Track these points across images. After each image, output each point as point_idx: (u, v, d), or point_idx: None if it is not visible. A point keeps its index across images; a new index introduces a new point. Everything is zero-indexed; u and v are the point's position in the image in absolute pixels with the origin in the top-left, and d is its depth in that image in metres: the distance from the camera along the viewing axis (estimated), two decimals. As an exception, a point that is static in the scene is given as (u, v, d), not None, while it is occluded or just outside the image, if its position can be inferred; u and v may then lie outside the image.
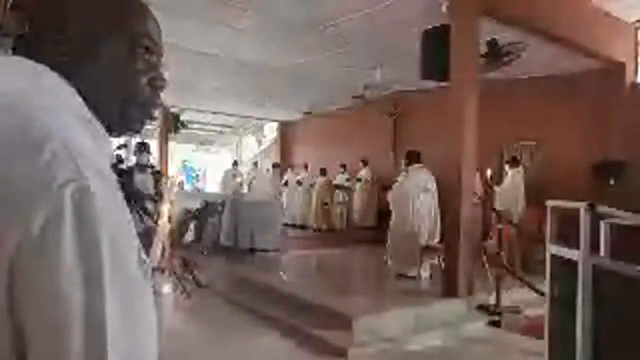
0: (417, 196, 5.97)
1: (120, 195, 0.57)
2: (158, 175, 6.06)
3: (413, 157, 6.23)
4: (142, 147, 5.93)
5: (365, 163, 10.79)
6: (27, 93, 0.57)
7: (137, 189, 5.30)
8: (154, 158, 7.54)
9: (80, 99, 0.62)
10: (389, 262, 6.21)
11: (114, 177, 0.58)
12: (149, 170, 5.92)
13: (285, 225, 11.20)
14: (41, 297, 0.47)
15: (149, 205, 5.29)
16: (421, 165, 6.18)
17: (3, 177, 0.49)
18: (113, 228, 0.51)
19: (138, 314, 0.53)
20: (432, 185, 6.06)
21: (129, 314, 0.51)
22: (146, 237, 4.75)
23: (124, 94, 0.68)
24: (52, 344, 0.47)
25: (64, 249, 0.47)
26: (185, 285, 5.41)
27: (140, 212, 4.74)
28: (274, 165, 12.48)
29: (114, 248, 0.51)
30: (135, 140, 6.30)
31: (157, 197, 5.77)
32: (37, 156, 0.50)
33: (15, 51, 0.63)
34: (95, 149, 0.58)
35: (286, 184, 12.71)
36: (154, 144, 13.79)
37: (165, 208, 5.36)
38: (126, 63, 0.68)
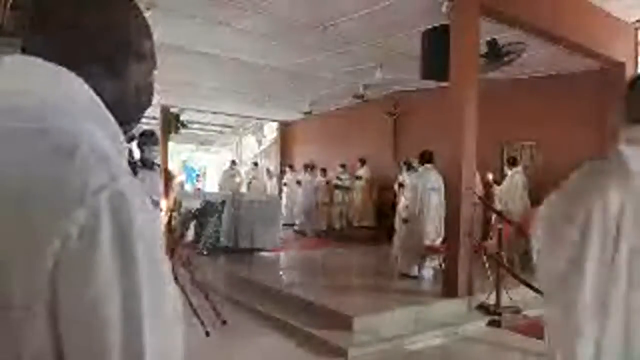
0: (429, 196, 6.02)
1: (145, 194, 0.58)
2: (168, 176, 4.41)
3: (425, 157, 6.31)
4: (150, 139, 4.19)
5: (363, 162, 10.76)
6: (47, 94, 0.58)
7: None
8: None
9: (98, 100, 0.63)
10: (399, 260, 6.25)
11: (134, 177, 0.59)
12: (157, 168, 4.26)
13: (300, 232, 11.16)
14: (79, 301, 0.49)
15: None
16: (432, 165, 6.23)
17: (34, 182, 0.50)
18: (145, 231, 0.53)
19: (169, 316, 0.55)
20: (441, 185, 6.10)
21: (161, 317, 0.53)
22: None
23: (127, 96, 0.69)
24: (91, 342, 0.49)
25: (102, 254, 0.49)
26: (203, 319, 4.19)
27: None
28: (307, 167, 11.67)
29: (148, 251, 0.53)
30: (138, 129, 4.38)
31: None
32: (69, 161, 0.51)
33: (24, 51, 0.63)
34: (114, 149, 0.59)
35: (286, 184, 12.75)
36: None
37: (163, 204, 4.19)
38: (131, 68, 0.69)
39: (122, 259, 0.50)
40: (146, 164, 4.10)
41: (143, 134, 4.24)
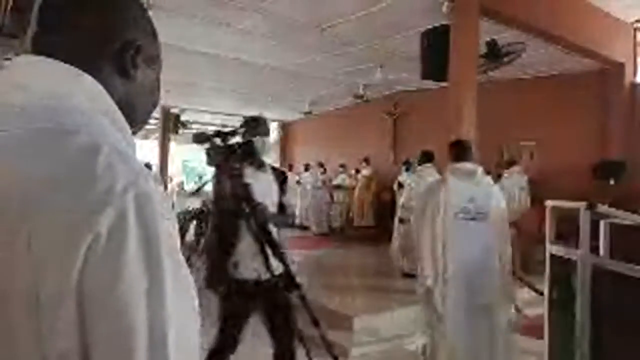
0: None
1: (163, 192, 0.58)
2: (283, 178, 3.02)
3: (425, 157, 6.33)
4: (261, 128, 2.81)
5: (367, 162, 10.75)
6: (65, 94, 0.59)
7: (257, 204, 2.38)
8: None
9: (112, 102, 0.63)
10: (401, 261, 6.25)
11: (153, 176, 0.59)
12: (269, 169, 2.92)
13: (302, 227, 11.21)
14: (107, 301, 0.49)
15: (274, 233, 2.56)
16: (432, 165, 6.25)
17: (61, 182, 0.50)
18: (167, 229, 0.54)
19: (189, 311, 0.56)
20: None
21: (183, 310, 0.54)
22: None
23: (136, 97, 0.70)
24: (117, 340, 0.49)
25: (129, 253, 0.50)
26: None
27: (265, 246, 2.29)
28: (320, 165, 11.62)
29: (170, 249, 0.54)
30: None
31: (288, 219, 3.12)
32: (92, 161, 0.52)
33: (34, 52, 0.63)
34: (130, 150, 0.60)
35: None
36: (154, 145, 13.84)
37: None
38: (139, 68, 0.69)
39: (149, 259, 0.51)
40: (253, 161, 2.74)
41: (249, 121, 2.86)
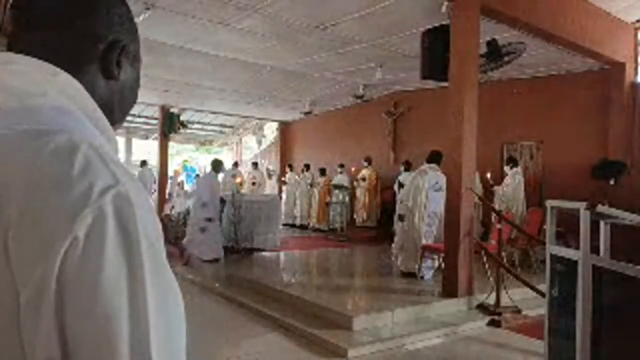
0: (426, 194, 6.03)
1: (146, 193, 0.57)
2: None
3: (429, 156, 6.36)
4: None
5: (369, 162, 10.75)
6: (45, 95, 0.58)
7: None
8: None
9: (92, 100, 0.62)
10: (398, 260, 6.25)
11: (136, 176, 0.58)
12: None
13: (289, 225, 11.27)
14: (86, 303, 0.48)
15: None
16: (434, 164, 6.24)
17: (38, 185, 0.49)
18: (148, 230, 0.52)
19: (173, 313, 0.55)
20: (442, 185, 6.11)
21: (166, 313, 0.52)
22: None
23: (117, 96, 0.69)
24: (98, 345, 0.48)
25: (108, 256, 0.49)
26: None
27: None
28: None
29: (152, 251, 0.52)
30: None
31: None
32: (71, 162, 0.50)
33: (10, 50, 0.62)
34: (112, 149, 0.59)
35: (285, 183, 12.86)
36: (154, 144, 13.83)
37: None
38: (123, 68, 0.68)
39: (129, 262, 0.50)
40: None
41: None
